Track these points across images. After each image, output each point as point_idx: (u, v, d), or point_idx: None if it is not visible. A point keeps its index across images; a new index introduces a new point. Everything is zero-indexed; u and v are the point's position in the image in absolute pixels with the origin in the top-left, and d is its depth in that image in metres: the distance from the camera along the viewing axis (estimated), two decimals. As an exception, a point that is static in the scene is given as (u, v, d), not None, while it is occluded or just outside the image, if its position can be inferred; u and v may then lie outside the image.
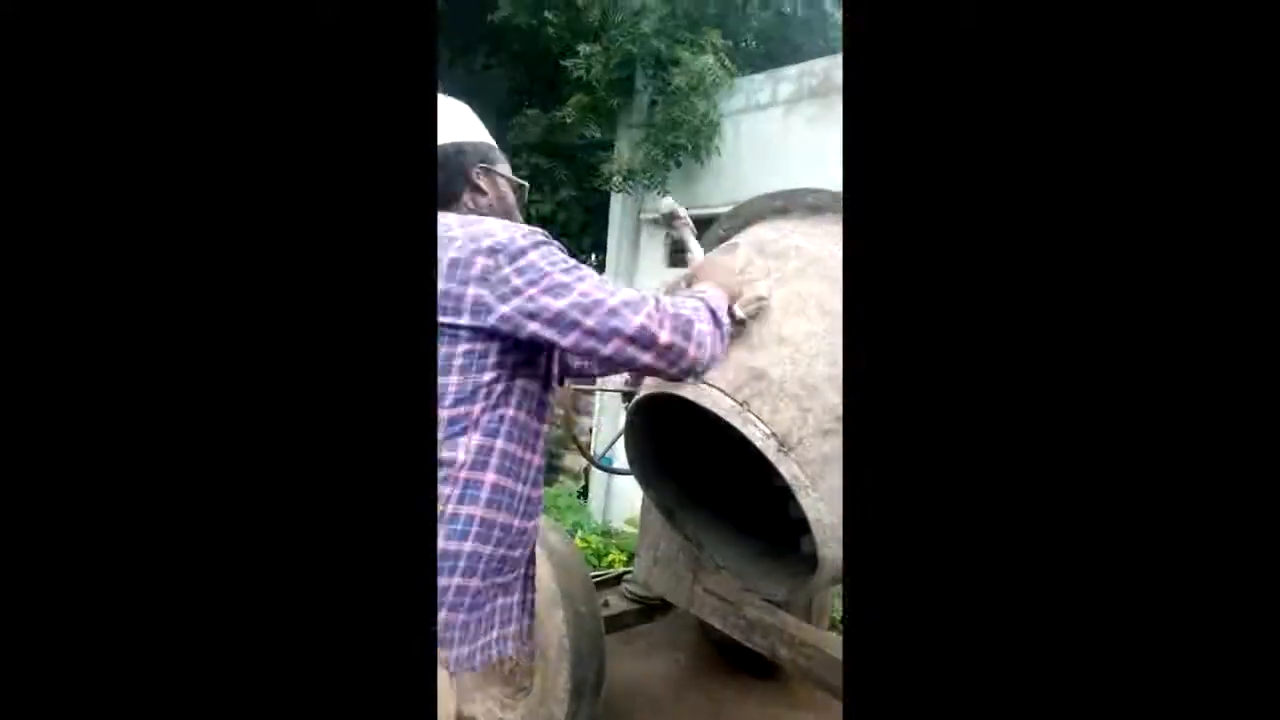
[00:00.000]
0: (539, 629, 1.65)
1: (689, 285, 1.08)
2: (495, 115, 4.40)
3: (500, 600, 0.93)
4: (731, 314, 1.06)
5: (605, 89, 3.44)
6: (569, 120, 3.52)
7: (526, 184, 1.12)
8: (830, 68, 3.32)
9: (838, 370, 1.18)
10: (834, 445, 1.18)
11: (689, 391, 1.25)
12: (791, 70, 3.45)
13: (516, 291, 0.82)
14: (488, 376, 0.85)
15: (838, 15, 3.70)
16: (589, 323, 0.82)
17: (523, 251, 0.83)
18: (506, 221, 0.90)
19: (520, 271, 0.82)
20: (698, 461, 1.64)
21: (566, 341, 0.83)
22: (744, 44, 3.77)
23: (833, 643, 1.72)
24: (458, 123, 1.03)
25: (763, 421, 1.19)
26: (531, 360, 0.91)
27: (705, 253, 1.42)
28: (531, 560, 1.00)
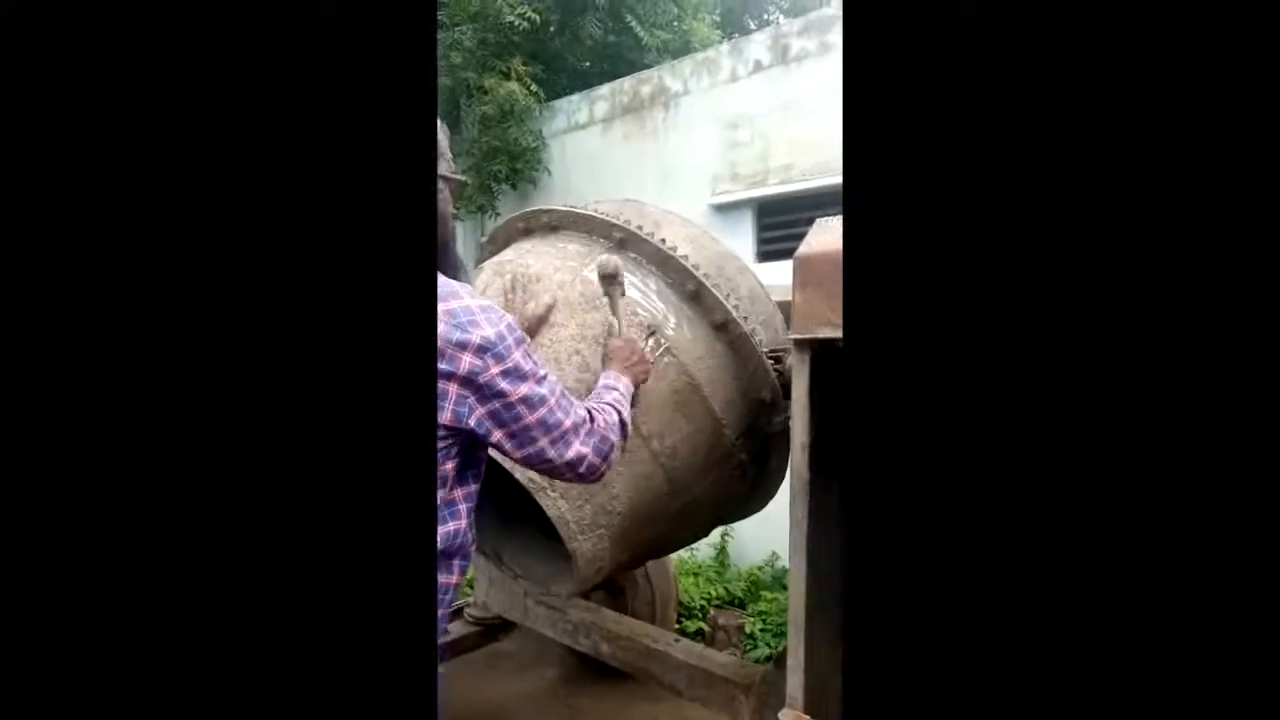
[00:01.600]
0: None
1: (603, 360, 1.14)
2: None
3: None
4: (635, 396, 1.14)
5: (425, 122, 3.48)
6: (393, 156, 3.53)
7: (465, 179, 1.05)
8: (637, 85, 3.48)
9: (563, 376, 1.27)
10: (565, 446, 1.26)
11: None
12: (604, 89, 3.60)
13: (499, 395, 0.82)
14: (449, 465, 0.84)
15: (644, 35, 3.89)
16: (542, 443, 0.86)
17: (509, 351, 0.83)
18: (487, 304, 0.85)
19: (505, 375, 0.82)
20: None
21: (516, 452, 0.86)
22: (551, 69, 3.89)
23: (644, 632, 1.81)
24: None
25: (498, 433, 1.25)
26: (482, 445, 0.91)
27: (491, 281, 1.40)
28: None
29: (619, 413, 1.01)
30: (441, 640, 2.10)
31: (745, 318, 1.39)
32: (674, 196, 3.23)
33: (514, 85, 3.20)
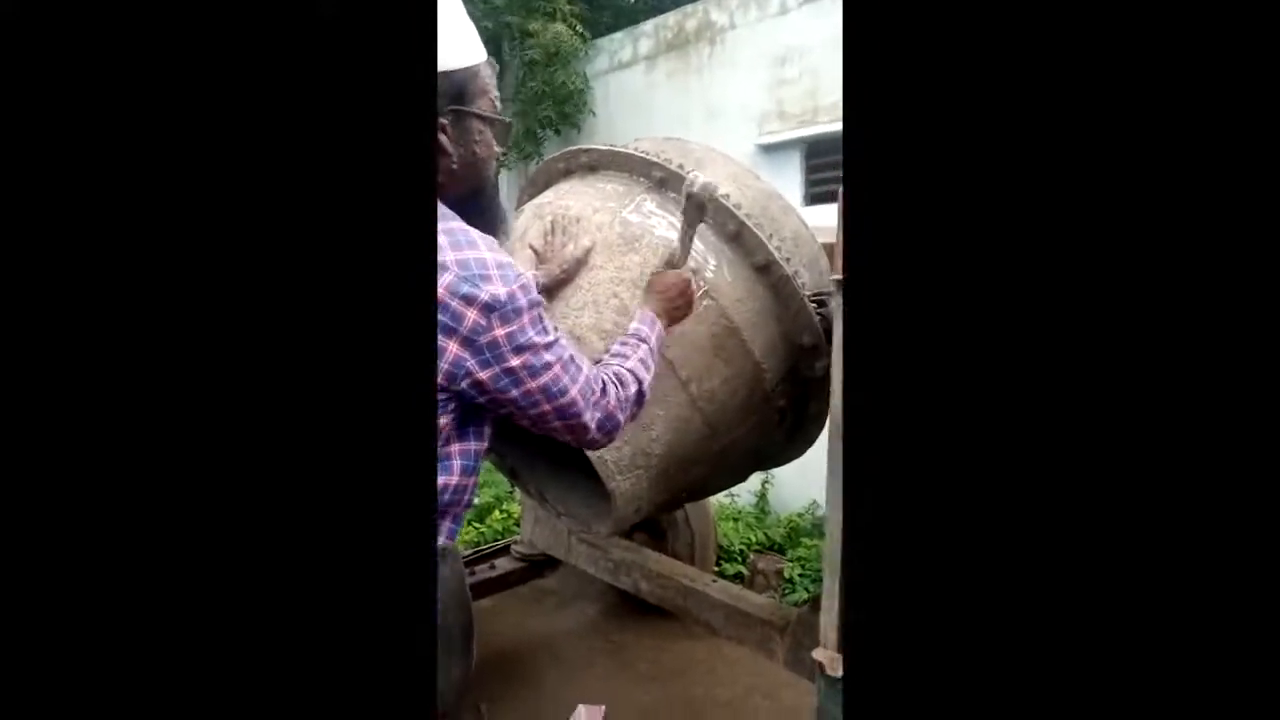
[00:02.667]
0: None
1: (647, 288, 1.12)
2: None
3: None
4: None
5: (467, 66, 3.44)
6: (436, 101, 3.52)
7: (510, 121, 0.97)
8: (682, 20, 3.35)
9: (600, 319, 1.27)
10: (603, 388, 1.27)
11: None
12: (648, 26, 3.48)
13: (500, 359, 0.79)
14: (445, 420, 0.81)
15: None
16: (546, 407, 0.84)
17: (517, 313, 0.79)
18: (503, 259, 0.81)
19: (510, 337, 0.79)
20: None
21: (519, 415, 0.85)
22: (594, 5, 3.77)
23: (682, 572, 1.85)
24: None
25: (537, 375, 1.27)
26: (471, 425, 0.88)
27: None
28: None
29: (640, 384, 0.98)
30: (487, 575, 2.20)
31: (788, 259, 1.35)
32: (719, 137, 3.13)
33: (560, 26, 3.12)
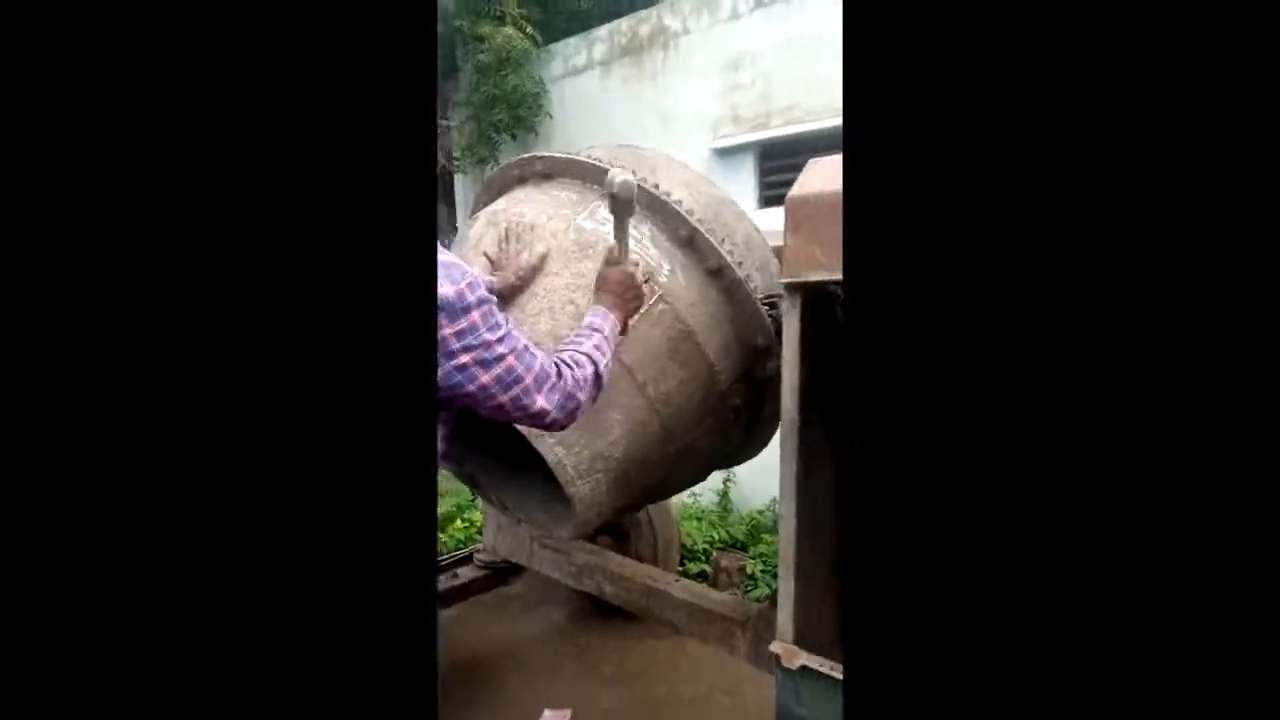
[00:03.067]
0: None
1: (596, 286, 1.13)
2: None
3: None
4: (624, 329, 1.15)
5: (420, 69, 3.41)
6: (389, 105, 3.47)
7: (447, 123, 1.02)
8: (636, 25, 3.38)
9: (556, 325, 1.28)
10: (561, 393, 1.28)
11: (431, 364, 1.32)
12: (602, 31, 3.49)
13: (451, 355, 0.83)
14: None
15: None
16: (502, 398, 0.88)
17: (465, 310, 0.83)
18: (449, 260, 0.85)
19: (459, 335, 0.83)
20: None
21: (477, 407, 0.88)
22: (548, 10, 3.78)
23: (645, 573, 1.87)
24: None
25: (494, 382, 1.27)
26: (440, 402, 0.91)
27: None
28: None
29: (595, 365, 1.01)
30: (450, 584, 2.18)
31: (740, 263, 1.38)
32: (675, 141, 3.17)
33: (509, 30, 3.11)
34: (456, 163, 3.36)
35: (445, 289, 0.81)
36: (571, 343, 1.05)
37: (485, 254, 1.37)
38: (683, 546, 2.79)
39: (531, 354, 0.91)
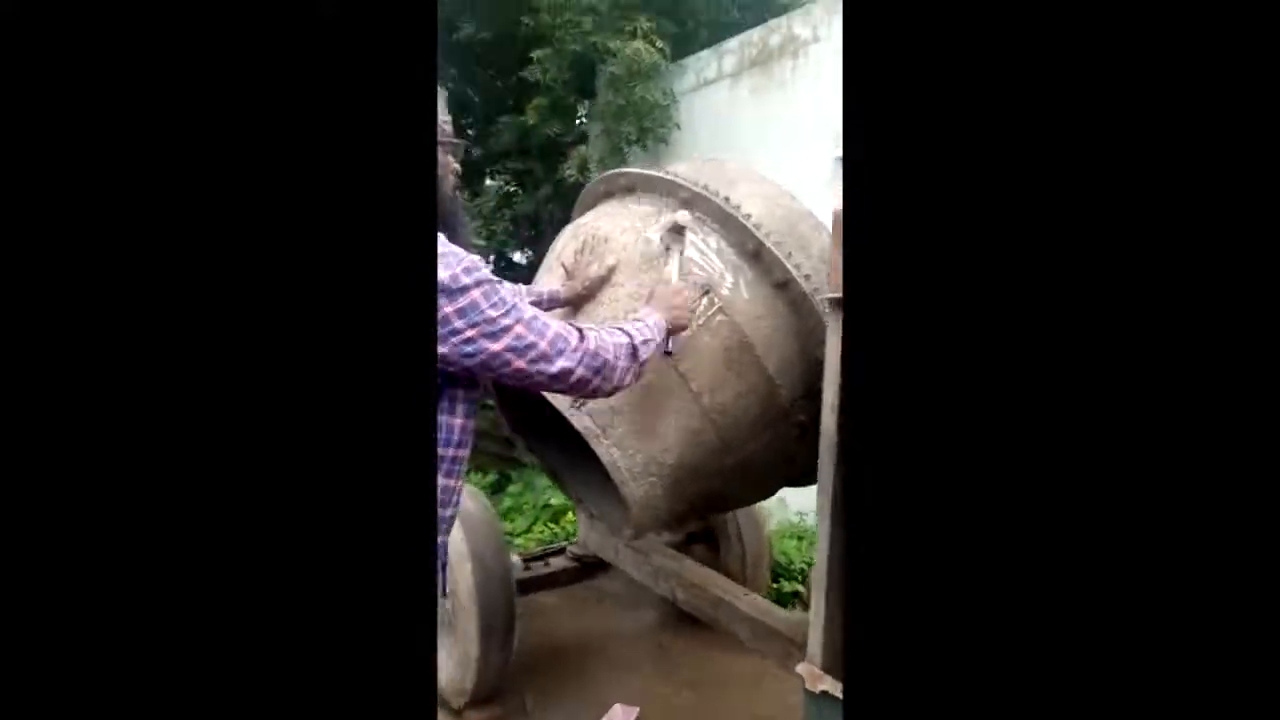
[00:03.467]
0: (452, 579, 1.88)
1: (647, 302, 1.22)
2: (470, 129, 4.63)
3: (440, 552, 1.08)
4: (666, 348, 1.20)
5: (561, 88, 3.62)
6: (531, 123, 3.72)
7: (461, 142, 1.14)
8: (766, 35, 3.36)
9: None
10: (617, 400, 1.34)
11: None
12: (733, 43, 3.52)
13: (455, 332, 0.89)
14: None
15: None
16: (519, 364, 0.94)
17: (464, 290, 0.89)
18: (447, 249, 0.91)
19: (461, 313, 0.89)
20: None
21: (498, 377, 0.96)
22: (687, 24, 3.85)
23: (715, 583, 1.87)
24: None
25: (558, 382, 1.36)
26: (462, 379, 1.00)
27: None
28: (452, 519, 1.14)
29: (630, 336, 1.05)
30: (540, 572, 2.31)
31: (808, 276, 1.37)
32: (798, 150, 3.12)
33: (639, 44, 3.24)
34: (588, 173, 3.54)
35: (441, 274, 0.88)
36: (609, 326, 1.10)
37: (562, 263, 1.46)
38: (777, 565, 2.73)
39: (543, 322, 0.96)
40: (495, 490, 3.82)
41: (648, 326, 1.11)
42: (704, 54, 3.67)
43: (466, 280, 0.89)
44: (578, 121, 3.90)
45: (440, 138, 1.01)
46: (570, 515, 3.51)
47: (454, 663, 1.90)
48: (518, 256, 4.74)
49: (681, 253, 1.32)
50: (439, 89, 1.01)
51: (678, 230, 1.31)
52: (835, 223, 1.07)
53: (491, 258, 4.45)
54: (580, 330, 1.01)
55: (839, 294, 1.06)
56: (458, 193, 1.12)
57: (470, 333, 0.90)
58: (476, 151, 4.43)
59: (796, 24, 3.23)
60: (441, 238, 0.92)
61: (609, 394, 1.07)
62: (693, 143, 3.73)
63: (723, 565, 2.37)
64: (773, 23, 3.35)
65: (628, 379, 1.06)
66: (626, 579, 2.67)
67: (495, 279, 0.94)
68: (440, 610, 1.99)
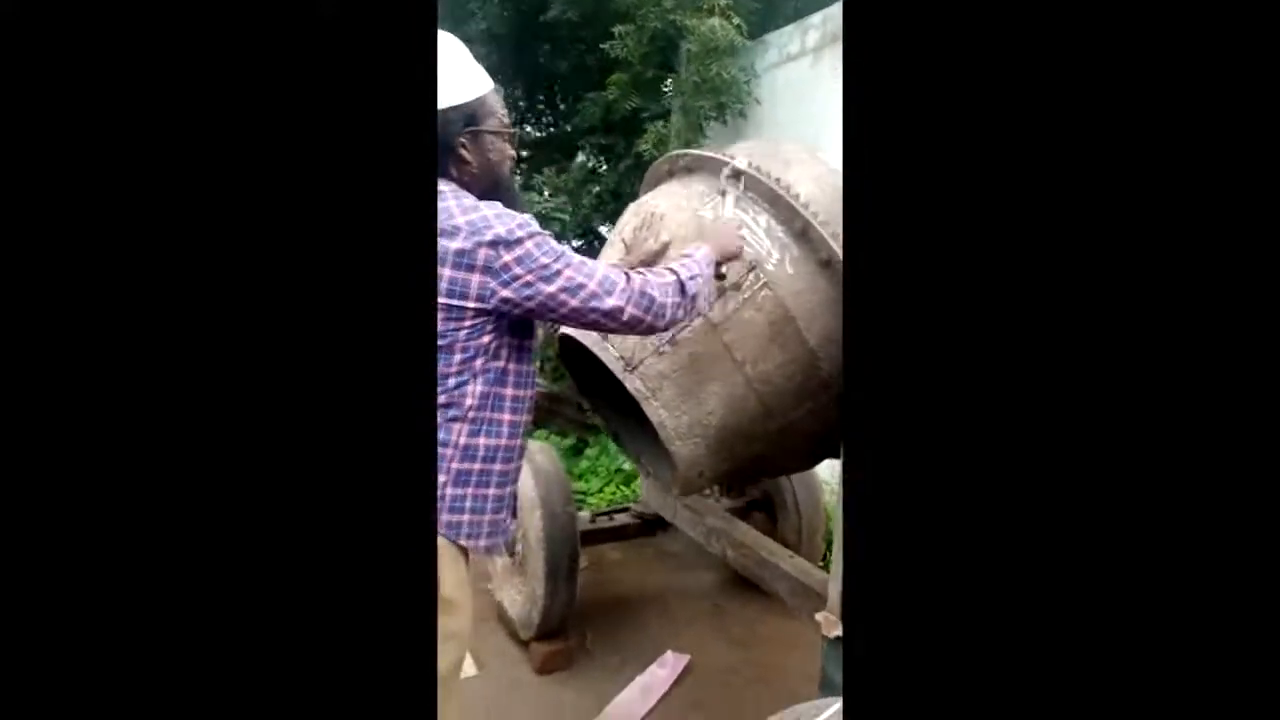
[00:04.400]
0: (523, 525, 2.08)
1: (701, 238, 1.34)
2: (560, 103, 4.76)
3: (509, 500, 1.19)
4: (719, 272, 1.30)
5: (641, 64, 3.71)
6: (612, 98, 3.84)
7: (515, 130, 1.27)
8: (850, 9, 3.31)
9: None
10: (666, 364, 1.46)
11: (572, 330, 1.59)
12: (816, 18, 3.48)
13: (516, 278, 1.02)
14: (487, 339, 1.06)
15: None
16: (573, 303, 1.05)
17: (519, 242, 1.02)
18: (502, 211, 1.03)
19: (519, 260, 1.02)
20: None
21: (554, 317, 1.08)
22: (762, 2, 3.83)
23: (763, 544, 1.98)
24: (445, 82, 1.06)
25: (614, 349, 1.50)
26: (519, 324, 1.12)
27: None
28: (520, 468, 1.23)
29: (678, 275, 1.15)
30: (605, 525, 2.48)
31: (853, 256, 1.43)
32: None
33: (715, 20, 3.27)
34: (665, 148, 3.63)
35: (499, 229, 1.01)
36: (657, 267, 1.21)
37: (622, 239, 1.58)
38: (833, 533, 2.79)
39: (592, 267, 1.08)
40: (574, 453, 4.03)
41: (695, 262, 1.20)
42: (788, 29, 3.64)
43: (520, 233, 1.02)
44: (661, 98, 3.97)
45: (499, 128, 1.14)
46: (640, 480, 3.69)
47: (523, 598, 2.11)
48: (604, 229, 4.90)
49: (737, 197, 1.43)
50: (495, 86, 1.15)
51: (735, 175, 1.42)
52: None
53: (576, 234, 4.63)
54: (627, 273, 1.11)
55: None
56: (514, 175, 1.25)
57: (528, 277, 1.02)
58: (567, 127, 4.58)
59: (882, -4, 3.16)
60: (495, 204, 1.05)
61: (665, 328, 1.16)
62: (772, 118, 3.73)
63: (779, 533, 2.47)
64: (856, -5, 3.29)
65: (679, 314, 1.15)
66: (687, 541, 2.80)
67: (545, 232, 1.07)
68: (511, 553, 2.20)
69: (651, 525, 2.52)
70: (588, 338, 1.54)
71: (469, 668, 2.06)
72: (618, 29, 3.64)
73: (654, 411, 1.47)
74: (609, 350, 1.50)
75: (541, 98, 5.41)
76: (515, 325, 1.10)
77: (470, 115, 1.10)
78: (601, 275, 1.08)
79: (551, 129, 5.49)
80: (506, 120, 1.17)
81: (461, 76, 1.10)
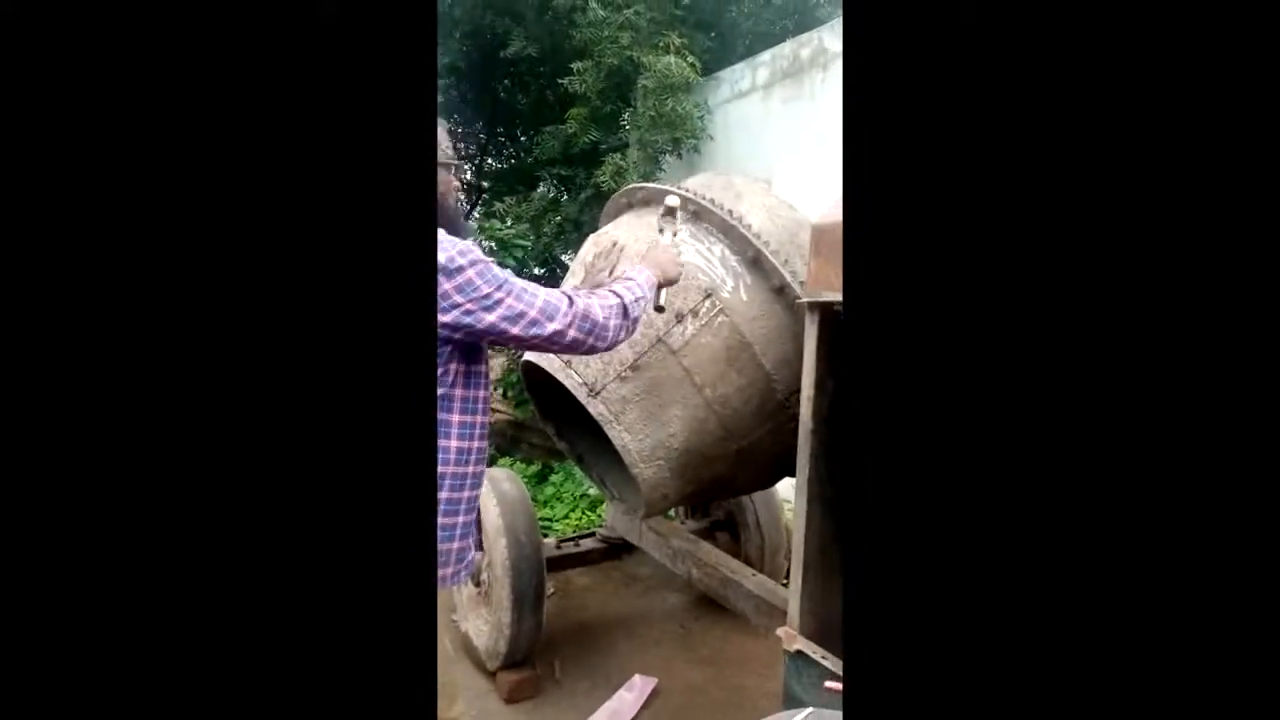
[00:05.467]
0: (489, 553, 2.08)
1: (642, 260, 1.38)
2: (521, 136, 4.85)
3: (467, 529, 1.19)
4: (658, 303, 1.34)
5: (599, 98, 3.82)
6: (572, 131, 3.93)
7: (457, 163, 1.28)
8: (797, 48, 3.48)
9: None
10: (629, 389, 1.51)
11: (534, 357, 1.63)
12: (765, 55, 3.65)
13: (455, 305, 1.03)
14: (437, 368, 1.08)
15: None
16: (514, 331, 1.08)
17: (460, 270, 1.03)
18: (444, 238, 1.05)
19: (459, 289, 1.03)
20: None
21: (502, 341, 1.11)
22: (725, 37, 4.00)
23: (726, 564, 2.02)
24: None
25: (578, 374, 1.54)
26: (466, 349, 1.13)
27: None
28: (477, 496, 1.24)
29: (620, 297, 1.20)
30: (571, 550, 2.50)
31: (804, 283, 1.51)
32: (829, 157, 3.23)
33: (670, 58, 3.40)
34: (622, 180, 3.73)
35: (440, 258, 1.02)
36: (600, 289, 1.25)
37: (584, 266, 1.64)
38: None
39: (532, 293, 1.11)
40: (539, 479, 4.03)
41: (638, 284, 1.25)
42: (738, 66, 3.81)
43: (461, 261, 1.04)
44: (619, 131, 4.09)
45: (443, 159, 1.18)
46: (605, 505, 3.71)
47: (489, 628, 2.10)
48: (566, 258, 4.97)
49: (675, 233, 1.47)
50: (440, 121, 1.18)
51: (670, 213, 1.46)
52: (815, 236, 1.21)
53: (537, 262, 4.68)
54: (570, 296, 1.14)
55: (817, 299, 1.21)
56: (459, 204, 1.30)
57: (469, 305, 1.04)
58: (528, 159, 4.66)
59: (826, 37, 3.34)
60: (441, 232, 1.07)
61: (607, 349, 1.20)
62: (726, 151, 3.87)
63: (743, 553, 2.51)
64: (803, 37, 3.46)
65: (621, 335, 1.19)
66: (653, 564, 2.83)
67: (488, 259, 1.10)
68: (475, 582, 2.20)
69: (617, 549, 2.54)
70: (550, 364, 1.58)
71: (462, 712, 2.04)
72: (576, 65, 3.76)
73: (618, 435, 1.51)
74: (572, 376, 1.54)
75: (501, 130, 5.50)
76: (463, 350, 1.12)
77: None
78: (543, 302, 1.11)
79: (513, 160, 5.57)
80: (450, 153, 1.22)
81: None
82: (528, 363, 1.69)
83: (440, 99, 4.37)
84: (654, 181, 3.94)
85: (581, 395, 1.52)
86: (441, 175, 1.19)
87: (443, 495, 1.12)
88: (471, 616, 2.25)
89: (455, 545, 1.15)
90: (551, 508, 3.71)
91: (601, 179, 3.70)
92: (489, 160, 5.76)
